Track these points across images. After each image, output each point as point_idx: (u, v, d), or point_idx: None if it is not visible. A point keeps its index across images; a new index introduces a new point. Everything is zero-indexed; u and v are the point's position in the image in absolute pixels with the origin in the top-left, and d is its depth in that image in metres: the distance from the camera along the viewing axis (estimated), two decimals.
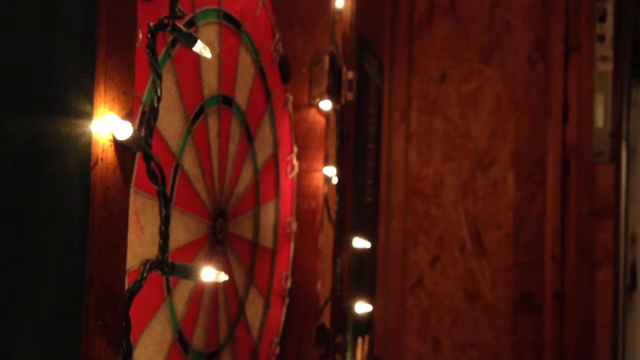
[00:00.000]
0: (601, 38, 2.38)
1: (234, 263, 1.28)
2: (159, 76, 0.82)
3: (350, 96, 1.66)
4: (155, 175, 0.82)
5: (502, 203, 2.51)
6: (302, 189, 1.58)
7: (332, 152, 1.60)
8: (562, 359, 2.38)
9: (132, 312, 0.77)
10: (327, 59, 1.56)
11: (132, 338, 0.77)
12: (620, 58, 2.37)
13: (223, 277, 0.93)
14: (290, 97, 1.53)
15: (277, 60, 1.45)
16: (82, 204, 0.67)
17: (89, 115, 0.67)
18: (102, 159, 0.69)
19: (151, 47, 0.82)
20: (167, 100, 1.02)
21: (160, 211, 0.84)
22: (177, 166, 1.06)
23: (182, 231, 1.08)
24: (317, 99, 1.56)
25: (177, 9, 0.86)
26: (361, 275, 1.85)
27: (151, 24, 0.83)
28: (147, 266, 0.83)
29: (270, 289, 1.45)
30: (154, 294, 1.00)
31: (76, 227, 0.66)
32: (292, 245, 1.54)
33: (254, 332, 1.39)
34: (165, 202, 0.84)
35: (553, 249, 2.41)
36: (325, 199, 1.58)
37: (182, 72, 1.06)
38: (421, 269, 2.57)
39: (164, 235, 0.84)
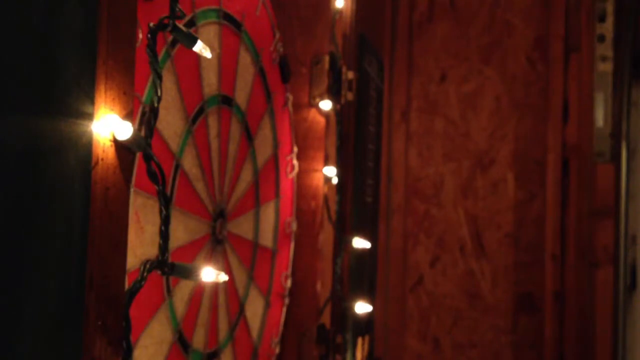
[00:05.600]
0: (601, 38, 2.38)
1: (234, 263, 1.29)
2: (159, 76, 0.82)
3: (350, 96, 1.66)
4: (156, 175, 0.82)
5: (502, 203, 2.51)
6: (302, 189, 1.58)
7: (332, 152, 1.60)
8: (562, 359, 2.38)
9: (132, 312, 0.77)
10: (327, 59, 1.56)
11: (132, 338, 0.77)
12: (620, 58, 2.37)
13: (223, 277, 0.93)
14: (290, 97, 1.53)
15: (277, 60, 1.45)
16: (83, 204, 0.67)
17: (89, 116, 0.67)
18: (102, 159, 0.69)
19: (151, 47, 0.82)
20: (167, 100, 1.03)
21: (160, 211, 0.84)
22: (177, 166, 1.06)
23: (182, 231, 1.08)
24: (317, 99, 1.56)
25: (177, 9, 0.86)
26: (361, 275, 1.85)
27: (151, 24, 0.84)
28: (147, 266, 0.83)
29: (270, 289, 1.45)
30: (154, 294, 1.00)
31: (76, 227, 0.66)
32: (292, 245, 1.54)
33: (254, 332, 1.39)
34: (165, 202, 0.84)
35: (553, 249, 2.41)
36: (325, 199, 1.58)
37: (182, 72, 1.06)
38: (421, 269, 2.57)
39: (164, 235, 0.84)
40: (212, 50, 0.95)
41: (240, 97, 1.29)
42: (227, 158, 1.24)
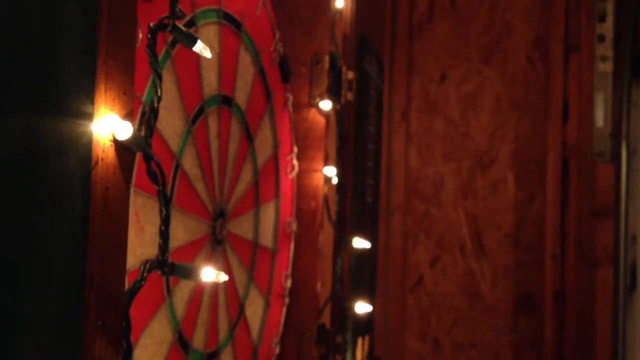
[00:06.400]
0: (601, 38, 2.38)
1: (234, 263, 1.29)
2: (159, 76, 0.82)
3: (350, 96, 1.66)
4: (155, 175, 0.82)
5: (502, 203, 2.51)
6: (302, 189, 1.58)
7: (332, 152, 1.60)
8: (562, 359, 2.38)
9: (132, 312, 0.77)
10: (327, 59, 1.56)
11: (132, 338, 0.77)
12: (620, 58, 2.37)
13: (223, 277, 0.93)
14: (290, 97, 1.53)
15: (277, 60, 1.45)
16: (83, 204, 0.67)
17: (89, 116, 0.67)
18: (102, 159, 0.69)
19: (151, 47, 0.82)
20: (167, 100, 1.03)
21: (160, 211, 0.84)
22: (177, 166, 1.06)
23: (182, 231, 1.08)
24: (317, 99, 1.56)
25: (177, 9, 0.86)
26: (361, 275, 1.85)
27: (151, 24, 0.84)
28: (147, 266, 0.83)
29: (270, 289, 1.45)
30: (154, 294, 1.00)
31: (76, 227, 0.66)
32: (292, 245, 1.54)
33: (254, 332, 1.39)
34: (165, 202, 0.84)
35: (553, 249, 2.41)
36: (325, 199, 1.58)
37: (182, 72, 1.06)
38: (421, 269, 2.57)
39: (164, 235, 0.84)
40: (212, 50, 0.95)
41: (240, 97, 1.29)
42: (227, 158, 1.24)
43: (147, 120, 0.82)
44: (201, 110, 1.13)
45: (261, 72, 1.38)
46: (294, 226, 1.55)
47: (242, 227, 1.32)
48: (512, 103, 2.52)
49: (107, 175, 0.70)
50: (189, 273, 0.90)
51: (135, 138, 0.73)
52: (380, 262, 2.42)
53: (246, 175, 1.33)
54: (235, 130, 1.27)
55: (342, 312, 1.67)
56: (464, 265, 2.53)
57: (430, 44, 2.60)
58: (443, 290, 2.54)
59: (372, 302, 1.88)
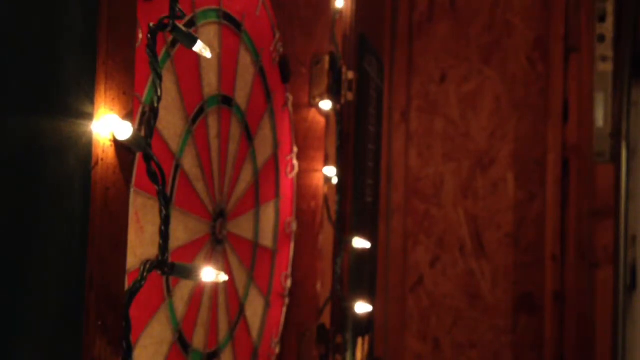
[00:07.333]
0: (601, 38, 2.38)
1: (234, 263, 1.29)
2: (159, 76, 0.82)
3: (350, 96, 1.66)
4: (155, 175, 0.82)
5: (502, 203, 2.51)
6: (302, 189, 1.58)
7: (332, 152, 1.60)
8: (562, 359, 2.38)
9: (132, 312, 0.77)
10: (327, 59, 1.56)
11: (132, 338, 0.77)
12: (620, 58, 2.37)
13: (223, 277, 0.93)
14: (290, 97, 1.53)
15: (277, 60, 1.45)
16: (83, 204, 0.67)
17: (89, 116, 0.67)
18: (102, 159, 0.69)
19: (151, 47, 0.82)
20: (167, 100, 1.03)
21: (160, 211, 0.84)
22: (177, 166, 1.06)
23: (182, 231, 1.08)
24: (317, 99, 1.56)
25: (177, 9, 0.86)
26: (361, 275, 1.85)
27: (151, 24, 0.84)
28: (147, 266, 0.83)
29: (270, 289, 1.45)
30: (154, 294, 1.00)
31: (76, 227, 0.66)
32: (292, 245, 1.54)
33: (254, 332, 1.39)
34: (165, 202, 0.84)
35: (553, 249, 2.41)
36: (325, 199, 1.58)
37: (182, 72, 1.06)
38: (421, 269, 2.57)
39: (164, 235, 0.84)
40: (212, 50, 0.95)
41: (240, 97, 1.29)
42: (227, 158, 1.24)
43: (147, 120, 0.82)
44: (201, 110, 1.13)
45: (261, 72, 1.38)
46: (294, 226, 1.55)
47: (242, 227, 1.32)
48: (512, 103, 2.52)
49: (107, 175, 0.70)
50: (189, 273, 0.90)
51: (135, 138, 0.73)
52: (380, 262, 2.42)
53: (246, 175, 1.33)
54: (235, 130, 1.27)
55: (342, 312, 1.67)
56: (464, 265, 2.53)
57: (430, 44, 2.60)
58: (443, 290, 2.54)
59: (372, 302, 1.88)
